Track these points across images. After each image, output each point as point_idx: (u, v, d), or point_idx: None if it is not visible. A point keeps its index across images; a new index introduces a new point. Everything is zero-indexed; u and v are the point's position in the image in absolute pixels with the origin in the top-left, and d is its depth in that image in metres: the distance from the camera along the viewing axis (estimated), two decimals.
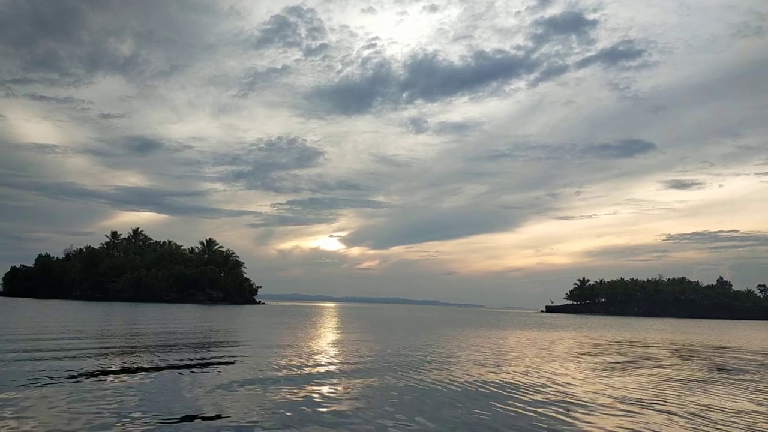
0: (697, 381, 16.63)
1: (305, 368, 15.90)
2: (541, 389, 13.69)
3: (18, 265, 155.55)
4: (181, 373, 13.75)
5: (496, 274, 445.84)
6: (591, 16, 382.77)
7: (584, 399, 12.48)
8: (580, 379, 15.86)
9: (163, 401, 10.29)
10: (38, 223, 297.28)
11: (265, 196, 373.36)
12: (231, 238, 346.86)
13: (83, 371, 13.56)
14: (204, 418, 9.15)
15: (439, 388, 13.39)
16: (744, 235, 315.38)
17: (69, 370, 13.50)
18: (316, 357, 19.12)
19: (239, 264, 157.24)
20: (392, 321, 60.09)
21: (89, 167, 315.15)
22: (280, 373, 14.52)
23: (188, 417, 9.22)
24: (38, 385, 11.62)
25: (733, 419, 10.89)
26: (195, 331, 30.64)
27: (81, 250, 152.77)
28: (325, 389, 12.38)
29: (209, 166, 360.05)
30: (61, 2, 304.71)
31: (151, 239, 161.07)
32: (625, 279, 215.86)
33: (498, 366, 18.54)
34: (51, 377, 12.55)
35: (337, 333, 34.72)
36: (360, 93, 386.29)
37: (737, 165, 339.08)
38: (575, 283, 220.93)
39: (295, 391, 12.04)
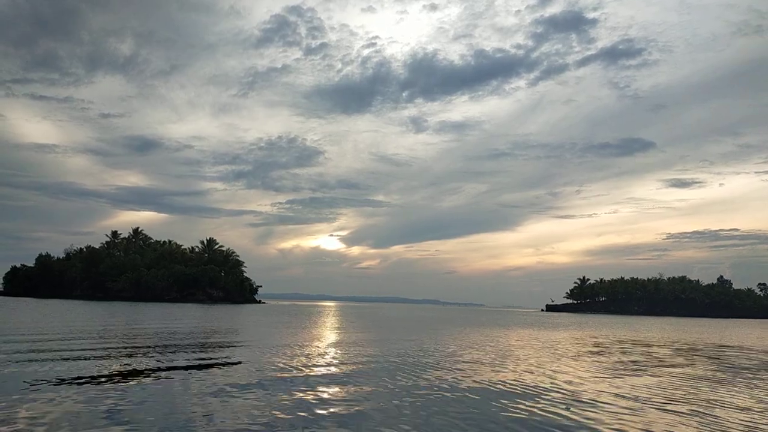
0: (700, 379, 16.58)
1: (307, 369, 15.86)
2: (546, 388, 13.65)
3: (18, 265, 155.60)
4: (181, 375, 13.67)
5: (496, 273, 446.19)
6: (591, 15, 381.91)
7: (589, 397, 12.45)
8: (584, 378, 15.82)
9: (163, 404, 10.18)
10: (38, 223, 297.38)
11: (265, 196, 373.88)
12: (231, 238, 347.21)
13: (84, 373, 13.49)
14: (204, 421, 9.08)
15: (445, 387, 13.36)
16: (744, 233, 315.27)
17: (68, 372, 13.42)
18: (318, 357, 19.08)
19: (239, 263, 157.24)
20: (393, 320, 60.06)
21: (89, 167, 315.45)
22: (281, 375, 14.48)
23: (188, 419, 9.15)
24: (36, 389, 11.55)
25: (736, 417, 10.85)
26: (196, 331, 30.62)
27: (81, 249, 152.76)
28: (328, 390, 12.32)
29: (209, 165, 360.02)
30: (61, 2, 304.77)
31: (151, 239, 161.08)
32: (625, 278, 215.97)
33: (502, 365, 18.51)
34: (48, 380, 12.46)
35: (338, 332, 34.70)
36: (360, 92, 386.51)
37: (737, 163, 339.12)
38: (575, 282, 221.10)
39: (297, 392, 12.00)
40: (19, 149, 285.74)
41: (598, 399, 12.31)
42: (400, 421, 9.54)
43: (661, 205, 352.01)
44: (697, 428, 9.81)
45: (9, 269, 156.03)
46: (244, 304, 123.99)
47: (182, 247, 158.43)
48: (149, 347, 20.49)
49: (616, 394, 13.03)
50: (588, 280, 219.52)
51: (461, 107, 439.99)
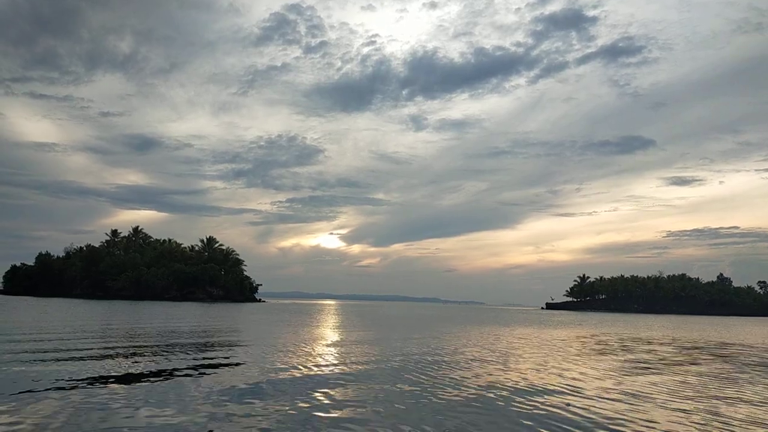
0: (703, 376, 16.54)
1: (309, 369, 15.80)
2: (549, 385, 13.60)
3: (18, 264, 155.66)
4: (181, 377, 13.53)
5: (496, 272, 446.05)
6: (591, 13, 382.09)
7: (592, 395, 12.39)
8: (585, 376, 15.76)
9: (162, 406, 10.05)
10: (38, 222, 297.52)
11: (265, 194, 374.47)
12: (231, 236, 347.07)
13: (84, 375, 13.38)
14: (204, 424, 9.01)
15: (450, 386, 13.31)
16: (744, 231, 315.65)
17: (68, 374, 13.31)
18: (319, 357, 19.02)
19: (239, 262, 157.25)
20: (393, 318, 60.03)
21: (89, 165, 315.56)
22: (282, 375, 14.39)
23: (188, 422, 9.08)
24: (33, 390, 11.49)
25: (741, 413, 10.80)
26: (196, 331, 30.59)
27: (81, 248, 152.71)
28: (331, 392, 12.20)
29: (209, 164, 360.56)
30: (60, 1, 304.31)
31: (151, 237, 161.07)
32: (625, 276, 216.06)
33: (505, 363, 18.46)
34: (43, 381, 12.41)
35: (339, 331, 34.67)
36: (360, 90, 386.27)
37: (737, 161, 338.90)
38: (575, 280, 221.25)
39: (298, 393, 11.94)
40: (19, 148, 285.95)
41: (600, 396, 12.25)
42: (405, 421, 9.49)
43: (661, 203, 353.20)
44: (700, 425, 9.76)
45: (9, 268, 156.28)
46: (244, 303, 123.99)
47: (182, 245, 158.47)
48: (149, 347, 20.45)
49: (618, 391, 12.97)
50: (588, 278, 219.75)
51: (461, 105, 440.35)
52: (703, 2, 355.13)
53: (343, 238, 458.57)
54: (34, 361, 15.05)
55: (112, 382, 12.02)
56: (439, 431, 8.85)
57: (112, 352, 18.11)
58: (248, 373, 14.07)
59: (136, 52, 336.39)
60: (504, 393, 12.46)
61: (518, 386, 13.49)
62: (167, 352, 18.45)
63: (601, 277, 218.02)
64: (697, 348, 29.49)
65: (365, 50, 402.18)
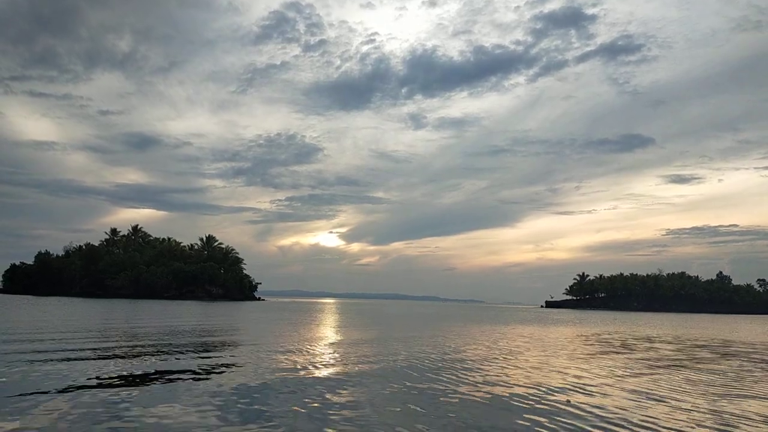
0: (704, 374, 16.46)
1: (310, 370, 15.70)
2: (551, 383, 13.52)
3: (18, 263, 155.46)
4: (181, 378, 13.28)
5: (495, 270, 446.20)
6: (590, 11, 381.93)
7: (595, 393, 12.31)
8: (587, 373, 15.69)
9: (162, 411, 9.86)
10: (38, 221, 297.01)
11: (265, 193, 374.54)
12: (230, 235, 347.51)
13: (82, 377, 13.22)
14: (207, 426, 8.89)
15: (452, 385, 13.23)
16: (743, 229, 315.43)
17: (63, 376, 13.18)
18: (321, 357, 18.91)
19: (239, 260, 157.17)
20: (394, 317, 59.98)
21: (88, 164, 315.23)
22: (283, 376, 14.26)
23: (191, 425, 8.97)
24: (29, 393, 11.39)
25: (744, 411, 10.72)
26: (196, 330, 30.51)
27: (80, 247, 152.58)
28: (335, 393, 12.04)
29: (208, 162, 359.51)
30: (59, 0, 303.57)
31: (150, 236, 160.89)
32: (624, 274, 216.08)
33: (507, 361, 18.38)
34: (40, 384, 12.29)
35: (340, 330, 34.60)
36: (359, 89, 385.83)
37: (737, 159, 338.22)
38: (575, 278, 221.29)
39: (300, 394, 11.84)
40: (18, 147, 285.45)
41: (604, 394, 12.17)
42: (408, 421, 9.40)
43: (660, 201, 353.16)
44: (703, 423, 9.67)
45: (8, 267, 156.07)
46: (243, 302, 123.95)
47: (181, 244, 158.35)
48: (148, 346, 20.37)
49: (621, 389, 12.89)
50: (587, 276, 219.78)
51: (460, 103, 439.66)
52: (703, 0, 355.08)
53: (343, 236, 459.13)
54: (32, 362, 14.95)
55: (112, 384, 11.90)
56: (442, 430, 8.77)
57: (111, 352, 18.01)
58: (249, 374, 13.96)
59: (135, 51, 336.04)
60: (506, 391, 12.36)
61: (520, 384, 13.40)
62: (167, 352, 18.33)
63: (601, 276, 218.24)
64: (698, 346, 29.42)
65: (364, 48, 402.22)
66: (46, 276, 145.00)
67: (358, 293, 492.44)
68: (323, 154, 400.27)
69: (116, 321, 35.72)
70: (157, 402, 10.02)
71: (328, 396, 11.16)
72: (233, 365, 15.35)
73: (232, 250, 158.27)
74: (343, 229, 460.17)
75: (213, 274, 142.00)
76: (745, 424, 9.87)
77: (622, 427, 9.28)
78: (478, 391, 12.34)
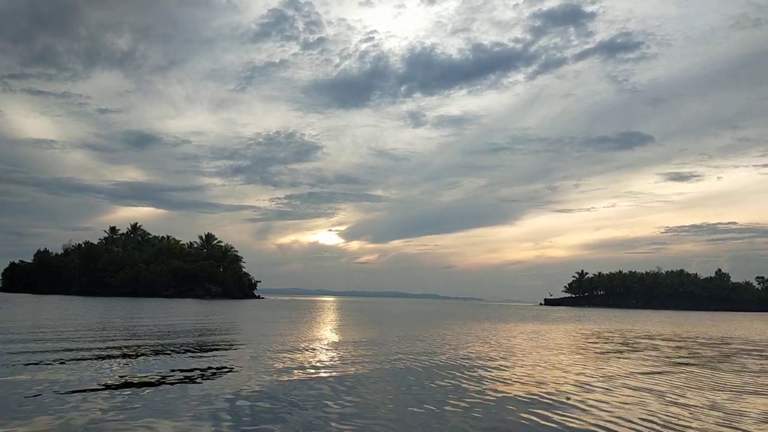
0: (706, 370, 16.46)
1: (312, 370, 15.63)
2: (553, 381, 13.51)
3: (17, 261, 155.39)
4: (182, 379, 13.16)
5: (495, 268, 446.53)
6: (589, 9, 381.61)
7: (597, 391, 12.29)
8: (589, 371, 15.68)
9: (162, 413, 9.73)
10: (37, 219, 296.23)
11: (264, 191, 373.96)
12: (230, 233, 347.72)
13: (82, 378, 13.15)
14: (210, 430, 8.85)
15: (456, 384, 13.21)
16: (742, 227, 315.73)
17: (65, 378, 13.10)
18: (323, 357, 18.82)
19: (238, 259, 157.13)
20: (394, 315, 59.98)
21: (87, 162, 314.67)
22: (283, 377, 14.21)
23: (193, 428, 8.92)
24: (35, 397, 11.35)
25: (745, 408, 10.72)
26: (195, 329, 30.50)
27: (80, 245, 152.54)
28: (339, 394, 11.92)
29: (207, 160, 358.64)
30: None
31: (149, 234, 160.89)
32: (623, 271, 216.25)
33: (508, 359, 18.37)
34: (37, 387, 12.25)
35: (341, 329, 34.60)
36: (358, 87, 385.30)
37: (736, 157, 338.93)
38: (574, 276, 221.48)
39: (302, 395, 11.81)
40: (17, 145, 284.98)
41: (603, 390, 12.16)
42: (411, 421, 9.39)
43: (659, 198, 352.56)
44: (705, 419, 9.66)
45: (8, 265, 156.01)
46: (242, 300, 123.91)
47: (181, 242, 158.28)
48: (147, 347, 20.35)
49: (621, 386, 12.87)
50: (586, 274, 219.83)
51: (459, 101, 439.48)
52: None
53: (342, 234, 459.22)
54: (26, 364, 14.92)
55: (109, 387, 11.81)
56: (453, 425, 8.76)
57: (110, 353, 17.98)
58: (248, 375, 13.88)
59: (134, 49, 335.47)
60: (507, 388, 12.34)
61: (521, 381, 13.38)
62: (165, 352, 18.25)
63: (600, 273, 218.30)
64: (698, 343, 29.43)
65: (363, 46, 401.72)
66: (46, 274, 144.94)
67: (357, 291, 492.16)
68: (322, 152, 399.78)
69: (116, 320, 35.69)
70: (155, 405, 9.97)
71: (329, 397, 11.13)
72: (232, 366, 15.31)
73: (232, 248, 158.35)
74: (343, 227, 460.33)
75: (212, 273, 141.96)
76: (746, 420, 9.86)
77: (623, 424, 9.27)
78: (478, 388, 12.32)
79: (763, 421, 9.94)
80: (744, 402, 11.78)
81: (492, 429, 8.86)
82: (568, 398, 11.35)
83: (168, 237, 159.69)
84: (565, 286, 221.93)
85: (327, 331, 30.96)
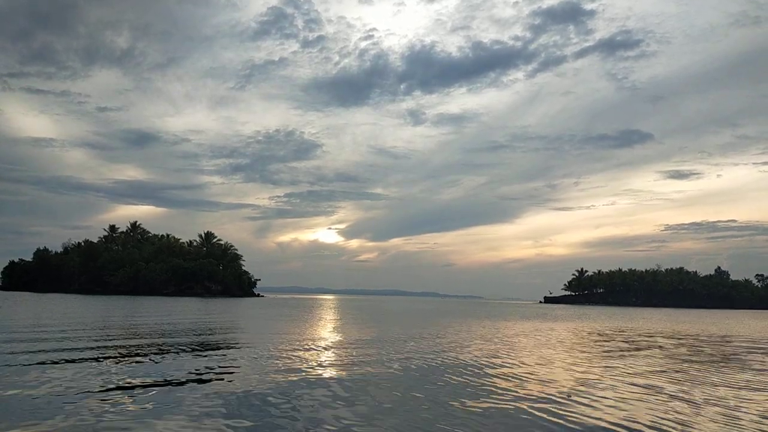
0: (707, 367, 16.45)
1: (314, 370, 15.58)
2: (555, 380, 13.50)
3: (16, 260, 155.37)
4: (182, 380, 13.02)
5: (494, 266, 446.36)
6: (589, 6, 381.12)
7: (599, 388, 12.28)
8: (590, 369, 15.67)
9: (163, 416, 9.61)
10: (36, 218, 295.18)
11: (263, 189, 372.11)
12: (229, 231, 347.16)
13: (81, 380, 13.11)
14: None
15: (457, 382, 13.20)
16: (742, 224, 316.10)
17: (64, 379, 13.08)
18: (324, 357, 18.77)
19: (238, 257, 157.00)
20: (394, 314, 60.00)
21: (87, 161, 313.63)
22: (283, 378, 14.13)
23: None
24: (34, 401, 11.31)
25: (746, 405, 10.70)
26: (196, 328, 30.48)
27: (79, 243, 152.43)
28: (343, 395, 11.90)
29: (207, 159, 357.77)
30: None
31: (149, 232, 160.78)
32: (623, 269, 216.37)
33: (509, 357, 18.36)
34: (36, 389, 12.24)
35: (341, 328, 34.59)
36: (358, 85, 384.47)
37: (735, 155, 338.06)
38: (573, 274, 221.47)
39: (304, 397, 11.79)
40: (17, 143, 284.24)
41: (604, 387, 12.14)
42: (412, 419, 9.36)
43: (659, 196, 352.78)
44: (707, 415, 9.64)
45: (7, 264, 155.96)
46: (242, 298, 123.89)
47: (180, 240, 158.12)
48: (147, 346, 20.33)
49: (622, 383, 12.86)
50: (586, 271, 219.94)
51: (459, 99, 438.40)
52: None
53: (342, 232, 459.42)
54: (31, 364, 14.90)
55: (113, 387, 11.80)
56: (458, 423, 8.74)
57: (110, 353, 17.97)
58: (248, 376, 13.82)
59: (133, 47, 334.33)
60: (508, 384, 12.33)
61: (522, 379, 13.37)
62: (165, 351, 18.18)
63: (599, 271, 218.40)
64: (699, 340, 29.44)
65: (363, 44, 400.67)
66: (45, 273, 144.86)
67: (357, 289, 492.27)
68: (322, 151, 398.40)
69: (116, 319, 35.67)
70: (156, 405, 9.94)
71: (332, 396, 11.11)
72: (234, 366, 15.28)
73: (231, 246, 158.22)
74: (342, 226, 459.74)
75: (212, 271, 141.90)
76: (747, 417, 9.85)
77: (625, 422, 9.25)
78: (478, 386, 12.31)
79: (766, 418, 9.92)
80: (746, 399, 11.77)
81: (494, 427, 8.84)
82: (570, 396, 11.37)
83: (167, 235, 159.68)
84: (565, 284, 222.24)
85: (327, 329, 30.95)
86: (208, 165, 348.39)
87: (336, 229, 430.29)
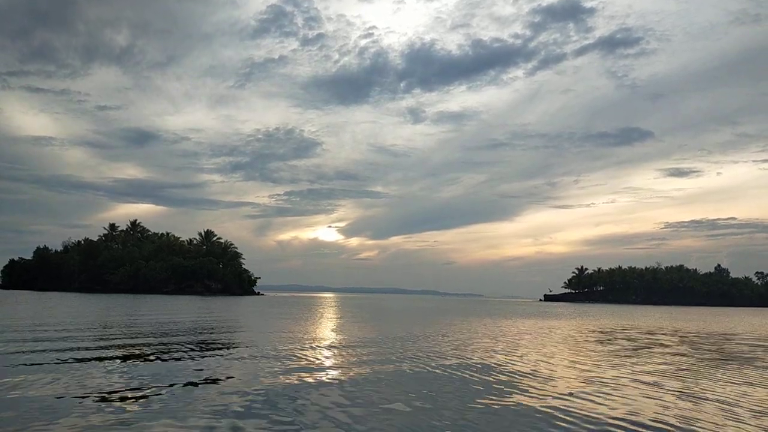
0: (707, 365, 16.43)
1: (315, 370, 15.52)
2: (556, 378, 13.46)
3: (16, 258, 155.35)
4: (183, 382, 12.96)
5: (494, 264, 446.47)
6: (588, 4, 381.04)
7: (600, 386, 12.24)
8: (590, 367, 15.64)
9: (163, 419, 9.54)
10: (36, 216, 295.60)
11: (263, 187, 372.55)
12: (229, 230, 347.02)
13: (81, 382, 13.18)
14: None
15: (458, 380, 13.16)
16: (742, 222, 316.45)
17: (63, 381, 13.12)
18: (321, 356, 18.73)
19: (238, 255, 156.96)
20: (395, 312, 60.00)
21: (87, 159, 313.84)
22: (283, 378, 14.11)
23: None
24: (34, 404, 11.28)
25: (746, 402, 10.67)
26: (196, 327, 30.47)
27: (79, 242, 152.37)
28: (336, 394, 11.91)
29: (207, 157, 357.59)
30: None
31: (149, 231, 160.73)
32: (623, 267, 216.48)
33: (509, 355, 18.33)
34: (33, 391, 12.21)
35: (340, 326, 34.58)
36: (357, 83, 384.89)
37: (735, 152, 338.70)
38: (573, 272, 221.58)
39: (306, 398, 11.76)
40: (16, 142, 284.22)
41: (605, 385, 12.11)
42: (413, 419, 9.32)
43: (658, 194, 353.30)
44: (709, 412, 9.61)
45: (7, 262, 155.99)
46: (242, 296, 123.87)
47: (180, 239, 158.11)
48: (146, 346, 20.31)
49: (623, 380, 12.83)
50: (586, 269, 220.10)
51: (459, 97, 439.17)
52: None
53: (342, 231, 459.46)
54: (32, 365, 14.86)
55: (114, 388, 11.78)
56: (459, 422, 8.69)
57: (113, 352, 17.94)
58: (248, 377, 13.79)
59: (132, 45, 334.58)
60: (509, 380, 12.30)
61: (523, 375, 13.33)
62: (165, 351, 18.08)
63: (599, 269, 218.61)
64: (700, 338, 29.42)
65: (363, 42, 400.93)
66: (45, 271, 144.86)
67: (356, 287, 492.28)
68: (322, 149, 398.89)
69: (117, 317, 35.64)
70: (158, 406, 9.90)
71: (333, 397, 11.07)
72: (235, 365, 15.24)
73: (231, 244, 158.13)
74: (342, 224, 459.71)
75: (212, 269, 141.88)
76: (750, 414, 9.82)
77: (624, 418, 9.21)
78: (481, 384, 12.28)
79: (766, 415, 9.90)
80: (748, 396, 11.73)
81: (499, 424, 8.80)
82: (571, 393, 11.36)
83: (167, 234, 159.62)
84: (565, 282, 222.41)
85: (328, 328, 30.92)
86: (208, 163, 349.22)
87: (336, 227, 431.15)
